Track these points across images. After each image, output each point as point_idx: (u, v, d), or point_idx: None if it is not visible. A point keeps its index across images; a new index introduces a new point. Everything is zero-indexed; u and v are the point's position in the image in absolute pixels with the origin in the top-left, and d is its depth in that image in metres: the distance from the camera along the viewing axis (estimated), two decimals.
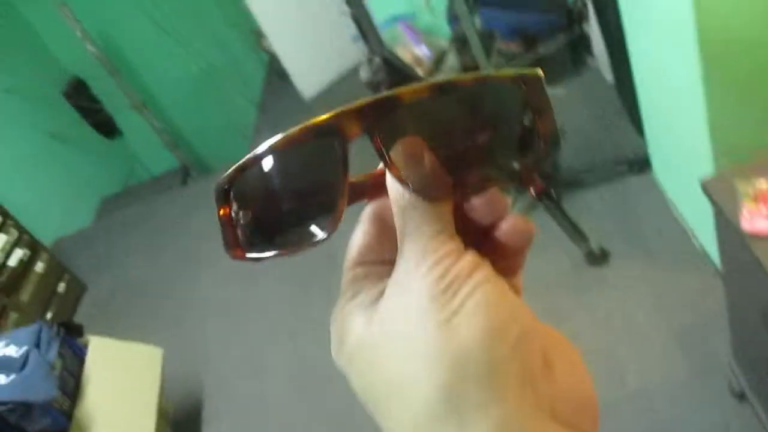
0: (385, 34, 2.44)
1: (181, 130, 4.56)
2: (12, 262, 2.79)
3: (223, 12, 4.11)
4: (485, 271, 0.27)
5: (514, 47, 2.69)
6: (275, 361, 2.12)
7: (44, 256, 3.02)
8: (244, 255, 0.30)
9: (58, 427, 1.76)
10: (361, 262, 0.31)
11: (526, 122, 0.29)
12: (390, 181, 0.29)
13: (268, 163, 0.29)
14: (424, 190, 0.28)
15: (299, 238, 0.30)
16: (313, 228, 0.30)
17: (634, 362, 1.77)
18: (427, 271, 0.26)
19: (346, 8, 1.90)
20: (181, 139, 4.49)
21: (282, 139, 0.28)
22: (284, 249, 0.30)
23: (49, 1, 3.51)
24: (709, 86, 1.35)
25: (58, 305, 2.93)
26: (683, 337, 1.76)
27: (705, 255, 1.90)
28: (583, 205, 2.25)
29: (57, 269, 3.07)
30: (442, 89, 0.28)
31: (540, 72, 0.29)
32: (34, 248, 2.99)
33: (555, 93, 2.16)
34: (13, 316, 2.62)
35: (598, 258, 2.02)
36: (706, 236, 1.86)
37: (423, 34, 2.56)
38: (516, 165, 0.30)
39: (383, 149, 0.28)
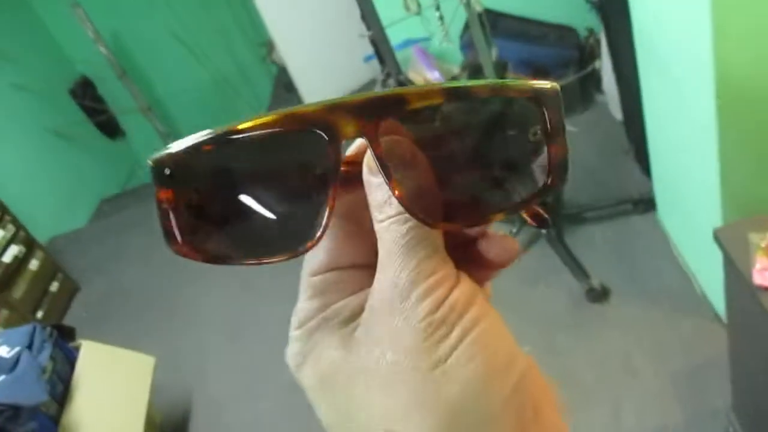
0: (398, 57, 2.45)
1: (184, 136, 4.54)
2: (6, 258, 2.76)
3: (237, 22, 4.13)
4: (481, 305, 0.25)
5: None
6: (269, 380, 2.10)
7: (39, 254, 3.00)
8: (195, 253, 0.25)
9: (44, 431, 1.74)
10: (330, 265, 0.28)
11: (537, 145, 0.26)
12: (374, 184, 0.26)
13: (239, 148, 0.25)
14: (423, 213, 0.25)
15: (266, 248, 0.26)
16: (286, 239, 0.26)
17: (631, 404, 1.76)
18: (416, 302, 0.24)
19: (364, 30, 1.91)
20: None
21: (259, 123, 0.24)
22: (245, 257, 0.26)
23: (63, 1, 3.51)
24: (723, 135, 1.36)
25: (49, 305, 2.90)
26: (681, 383, 1.75)
27: (705, 299, 1.90)
28: (585, 241, 2.25)
29: (51, 268, 3.05)
30: (455, 96, 0.25)
31: (557, 86, 0.26)
32: (30, 245, 2.97)
33: (569, 129, 2.18)
34: (3, 313, 2.59)
35: (599, 295, 2.02)
36: (708, 281, 1.86)
37: (436, 59, 2.58)
38: (520, 193, 0.27)
39: (384, 158, 0.25)
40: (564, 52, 2.75)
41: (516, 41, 2.71)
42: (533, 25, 2.75)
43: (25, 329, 1.83)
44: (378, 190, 0.25)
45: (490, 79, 0.26)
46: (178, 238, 0.25)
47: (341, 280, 0.27)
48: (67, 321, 2.96)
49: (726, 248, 1.22)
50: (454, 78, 2.52)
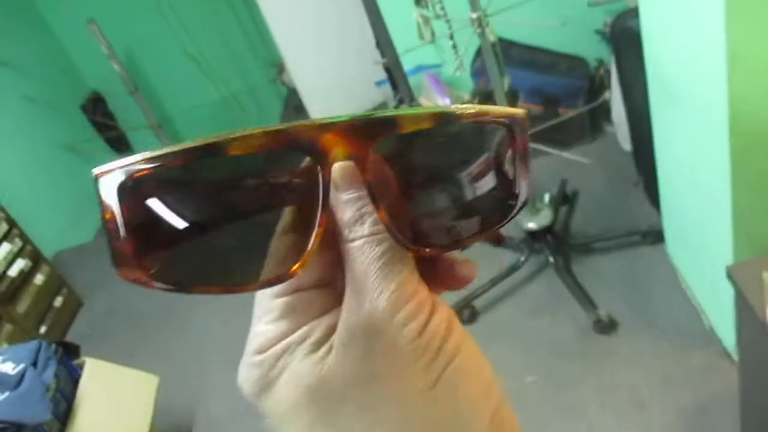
0: (410, 82, 2.47)
1: None
2: (12, 272, 2.76)
3: (249, 41, 4.17)
4: (459, 331, 0.25)
5: (535, 108, 2.73)
6: None
7: (45, 268, 2.99)
8: (149, 281, 0.23)
9: None
10: (295, 287, 0.27)
11: (510, 169, 0.27)
12: (342, 202, 0.25)
13: (213, 164, 0.23)
14: (406, 237, 0.25)
15: (240, 276, 0.25)
16: (260, 267, 0.25)
17: None
18: (401, 326, 0.24)
19: (379, 57, 1.93)
20: None
21: (238, 138, 0.22)
22: (212, 285, 0.24)
23: (77, 17, 3.56)
24: (737, 173, 1.36)
25: (53, 320, 2.89)
26: (689, 417, 1.74)
27: (713, 334, 1.89)
28: (593, 272, 2.24)
29: (56, 283, 3.04)
30: (442, 121, 0.25)
31: (527, 112, 0.27)
32: (36, 259, 2.96)
33: (580, 159, 2.19)
34: (7, 328, 2.58)
35: (606, 326, 2.01)
36: (716, 315, 1.85)
37: (448, 86, 2.59)
38: (492, 217, 0.27)
39: (371, 180, 0.24)
40: (574, 82, 2.77)
41: (527, 70, 2.73)
42: (544, 54, 2.77)
43: (31, 345, 1.83)
44: (347, 209, 0.25)
45: (473, 106, 0.26)
46: (135, 261, 0.22)
47: (307, 302, 0.27)
48: (70, 336, 2.95)
49: (739, 286, 1.21)
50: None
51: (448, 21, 1.76)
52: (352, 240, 0.25)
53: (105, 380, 2.01)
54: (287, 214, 0.25)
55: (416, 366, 0.24)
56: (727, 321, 1.71)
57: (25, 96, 3.64)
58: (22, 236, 2.93)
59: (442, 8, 1.78)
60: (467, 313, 2.18)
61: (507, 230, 2.36)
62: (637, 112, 2.16)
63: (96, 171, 0.22)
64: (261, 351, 0.26)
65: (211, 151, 0.22)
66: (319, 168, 0.24)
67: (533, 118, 2.65)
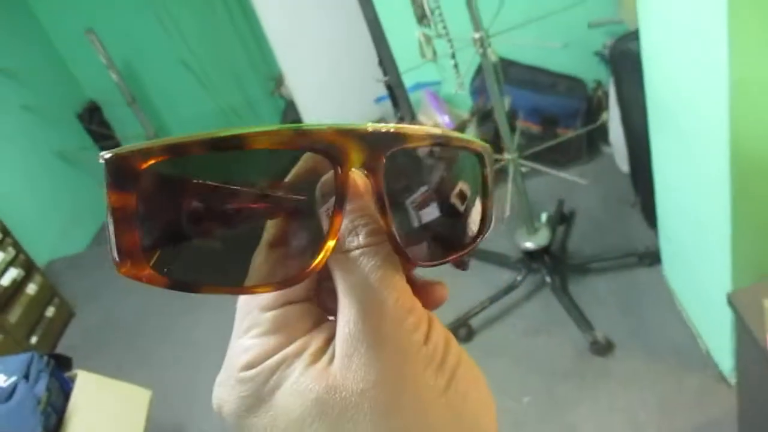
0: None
1: None
2: (5, 281, 2.73)
3: (247, 54, 4.18)
4: (456, 344, 0.26)
5: (533, 127, 2.74)
6: None
7: (37, 278, 2.97)
8: (156, 278, 0.22)
9: None
10: (285, 299, 0.26)
11: (482, 192, 0.29)
12: (346, 215, 0.25)
13: (227, 159, 0.22)
14: (409, 250, 0.25)
15: (253, 275, 0.24)
16: (276, 265, 0.24)
17: None
18: (410, 332, 0.24)
19: (380, 75, 1.93)
20: None
21: (263, 133, 0.21)
22: (222, 286, 0.23)
23: (76, 26, 3.56)
24: (736, 200, 1.36)
25: (44, 330, 2.86)
26: None
27: (709, 357, 1.89)
28: (590, 293, 2.24)
29: (48, 292, 3.01)
30: (437, 141, 0.26)
31: (487, 146, 0.29)
32: (29, 269, 2.94)
33: (577, 180, 2.19)
34: None
35: (603, 348, 2.01)
36: (713, 339, 1.85)
37: (447, 104, 2.60)
38: (469, 236, 0.29)
39: (384, 192, 0.24)
40: (573, 102, 2.79)
41: (526, 89, 2.74)
42: (543, 74, 2.79)
43: (23, 357, 1.81)
44: (344, 219, 0.25)
45: (460, 134, 0.27)
46: (142, 255, 0.21)
47: (299, 315, 0.26)
48: (61, 347, 2.92)
49: (739, 312, 1.22)
50: (463, 123, 2.55)
51: (450, 40, 1.77)
52: (347, 251, 0.25)
53: (97, 394, 1.99)
54: (301, 216, 0.25)
55: (427, 371, 0.24)
56: (724, 345, 1.71)
57: (21, 104, 3.63)
58: (16, 245, 2.91)
59: (444, 27, 1.79)
60: (464, 331, 2.18)
61: (505, 249, 2.36)
62: (635, 133, 2.18)
63: (107, 153, 0.21)
64: (251, 366, 0.25)
65: (235, 142, 0.21)
66: (339, 170, 0.23)
67: (532, 138, 2.66)
